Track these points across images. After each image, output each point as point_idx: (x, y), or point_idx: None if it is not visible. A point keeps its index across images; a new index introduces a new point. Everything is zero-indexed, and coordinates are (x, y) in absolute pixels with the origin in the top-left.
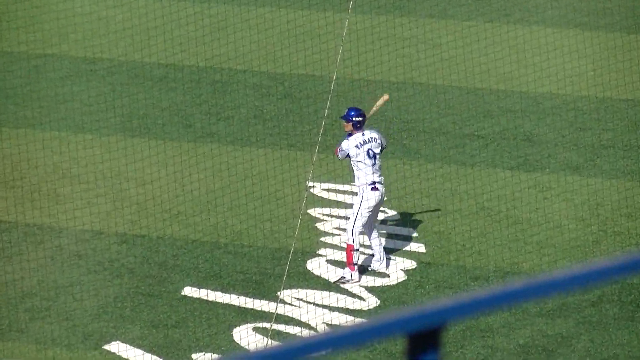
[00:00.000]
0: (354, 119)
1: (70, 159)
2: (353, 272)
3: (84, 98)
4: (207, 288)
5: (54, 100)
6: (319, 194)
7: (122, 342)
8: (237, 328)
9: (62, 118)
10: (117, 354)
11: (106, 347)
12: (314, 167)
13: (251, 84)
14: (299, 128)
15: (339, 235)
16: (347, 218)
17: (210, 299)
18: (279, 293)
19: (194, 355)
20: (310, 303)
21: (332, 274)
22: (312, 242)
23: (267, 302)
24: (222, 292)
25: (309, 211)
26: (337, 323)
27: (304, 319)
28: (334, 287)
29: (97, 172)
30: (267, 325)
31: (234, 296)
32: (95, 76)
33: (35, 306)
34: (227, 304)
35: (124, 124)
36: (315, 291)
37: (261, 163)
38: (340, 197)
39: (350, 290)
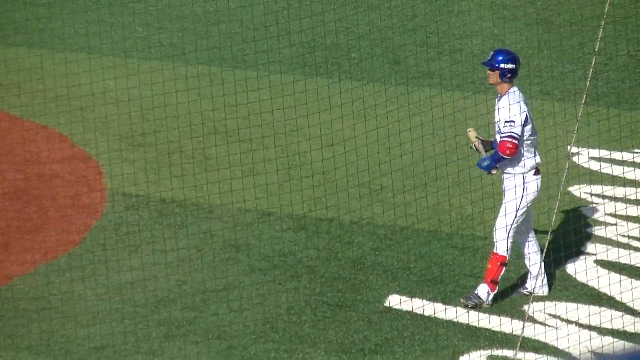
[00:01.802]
0: (503, 65)
1: (228, 112)
2: (491, 294)
3: None
4: (421, 297)
5: None
6: (585, 165)
7: None
8: (465, 356)
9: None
10: None
11: None
12: (579, 126)
13: (487, 3)
14: (555, 69)
15: (614, 224)
16: (504, 216)
17: (426, 314)
18: (525, 307)
19: None
20: (571, 322)
21: (604, 281)
22: (575, 234)
23: (508, 319)
24: (444, 303)
25: (570, 189)
26: (610, 351)
27: (561, 345)
28: (606, 299)
29: (264, 124)
30: (508, 353)
31: (460, 310)
32: None
33: (174, 318)
34: (450, 321)
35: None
36: (579, 305)
37: None
38: (617, 170)
39: (629, 305)
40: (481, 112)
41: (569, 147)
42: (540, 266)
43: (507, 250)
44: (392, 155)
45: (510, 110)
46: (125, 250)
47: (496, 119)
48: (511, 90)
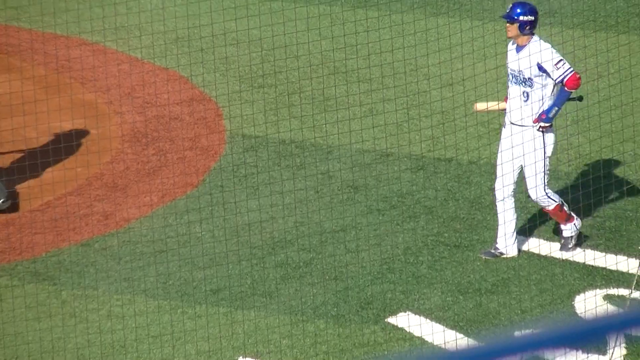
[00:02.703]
0: (522, 18)
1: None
2: (575, 222)
3: None
4: (538, 237)
5: None
6: None
7: (415, 314)
8: (581, 295)
9: None
10: (407, 330)
11: (391, 319)
12: None
13: None
14: None
15: None
16: (534, 175)
17: (543, 254)
18: None
19: (518, 333)
20: None
21: None
22: None
23: (624, 258)
24: (560, 242)
25: None
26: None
27: None
28: None
29: (384, 64)
30: (624, 292)
31: (577, 250)
32: None
33: (291, 260)
34: (566, 260)
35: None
36: None
37: (622, 55)
38: None
39: None
40: (602, 49)
41: None
42: (513, 229)
43: (553, 199)
44: None
45: (551, 51)
46: (243, 192)
47: (518, 68)
48: (534, 39)
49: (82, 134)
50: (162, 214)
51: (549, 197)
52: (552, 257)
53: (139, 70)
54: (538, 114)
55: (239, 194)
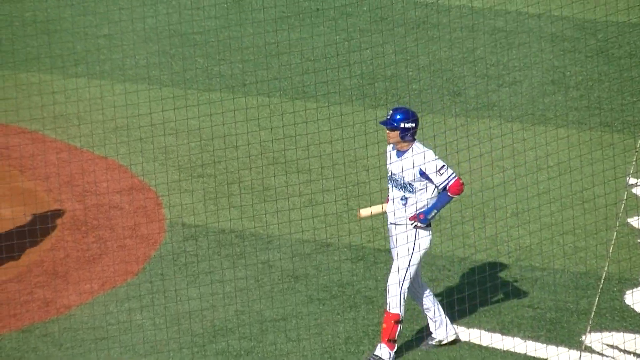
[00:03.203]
0: (403, 125)
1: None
2: (392, 353)
3: None
4: (479, 327)
5: None
6: None
7: None
8: None
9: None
10: None
11: None
12: (638, 156)
13: (548, 35)
14: (615, 101)
15: None
16: (397, 272)
17: (483, 344)
18: (583, 337)
19: None
20: (629, 353)
21: None
22: (633, 265)
23: (566, 349)
24: (502, 333)
25: (629, 220)
26: None
27: None
28: None
29: (324, 155)
30: None
31: (518, 340)
32: None
33: (232, 348)
34: (507, 351)
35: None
36: (637, 335)
37: (561, 149)
38: None
39: None
40: (540, 143)
41: (628, 178)
42: (442, 315)
43: (401, 307)
44: None
45: (431, 159)
46: (183, 281)
47: (399, 171)
48: (416, 144)
49: (21, 221)
50: (102, 301)
51: (399, 300)
52: (493, 347)
53: (78, 158)
54: (417, 213)
55: (180, 282)
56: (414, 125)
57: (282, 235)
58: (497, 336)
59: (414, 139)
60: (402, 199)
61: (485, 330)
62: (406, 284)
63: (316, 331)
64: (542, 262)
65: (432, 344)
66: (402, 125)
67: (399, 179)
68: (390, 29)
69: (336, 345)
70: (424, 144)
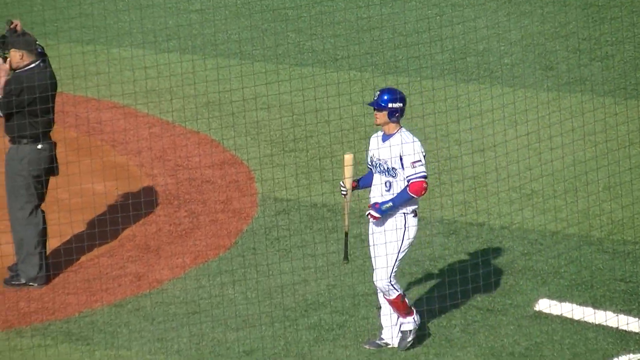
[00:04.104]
0: (390, 105)
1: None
2: (414, 318)
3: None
4: (571, 302)
5: None
6: None
7: None
8: None
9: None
10: None
11: None
12: None
13: None
14: None
15: None
16: (385, 256)
17: (575, 318)
18: None
19: None
20: None
21: None
22: None
23: None
24: (594, 307)
25: None
26: None
27: None
28: None
29: (416, 129)
30: None
31: (610, 314)
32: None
33: (323, 322)
34: (599, 325)
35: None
36: None
37: None
38: None
39: None
40: (632, 117)
41: None
42: (396, 317)
43: (398, 289)
44: (542, 160)
45: (413, 147)
46: (275, 255)
47: (382, 156)
48: (401, 129)
49: (113, 195)
50: (194, 275)
51: (391, 285)
52: (585, 321)
53: (170, 133)
54: (374, 202)
55: (271, 256)
56: (401, 105)
57: None
58: (589, 310)
59: (400, 124)
60: (385, 184)
61: (577, 304)
62: (395, 270)
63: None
64: (634, 235)
65: (378, 342)
66: (389, 105)
67: (383, 164)
68: (482, 3)
69: (428, 319)
70: (412, 134)
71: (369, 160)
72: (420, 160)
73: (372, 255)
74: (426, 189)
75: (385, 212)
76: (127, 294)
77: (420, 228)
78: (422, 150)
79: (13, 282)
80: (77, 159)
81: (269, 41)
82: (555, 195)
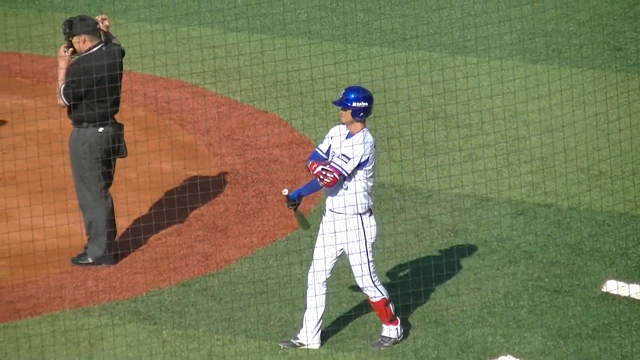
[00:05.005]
0: (355, 104)
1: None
2: (397, 327)
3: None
4: (639, 283)
5: None
6: None
7: (515, 358)
8: None
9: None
10: None
11: None
12: None
13: None
14: None
15: None
16: (359, 265)
17: None
18: None
19: None
20: None
21: None
22: None
23: None
24: None
25: None
26: None
27: None
28: None
29: (484, 110)
30: None
31: None
32: None
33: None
34: None
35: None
36: None
37: None
38: None
39: None
40: None
41: None
42: (319, 315)
43: (381, 291)
44: (611, 141)
45: (353, 148)
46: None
47: (335, 145)
48: (363, 130)
49: (181, 175)
50: (262, 255)
51: (376, 287)
52: None
53: (238, 112)
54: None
55: None
56: (366, 104)
57: (442, 190)
58: None
59: (364, 123)
60: (343, 184)
61: None
62: (373, 270)
63: (475, 286)
64: None
65: (292, 341)
66: (354, 104)
67: (331, 153)
68: None
69: (495, 300)
70: (369, 137)
71: (325, 146)
72: (350, 158)
73: (321, 256)
74: (332, 180)
75: (294, 197)
76: (195, 273)
77: (487, 208)
78: (364, 154)
79: (80, 262)
80: (145, 138)
81: (337, 20)
82: (623, 177)
